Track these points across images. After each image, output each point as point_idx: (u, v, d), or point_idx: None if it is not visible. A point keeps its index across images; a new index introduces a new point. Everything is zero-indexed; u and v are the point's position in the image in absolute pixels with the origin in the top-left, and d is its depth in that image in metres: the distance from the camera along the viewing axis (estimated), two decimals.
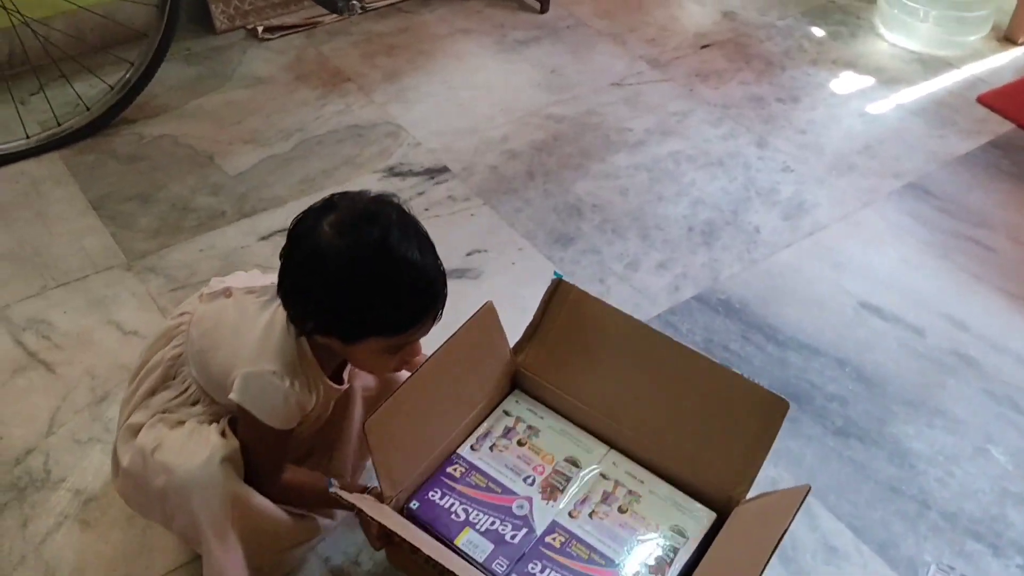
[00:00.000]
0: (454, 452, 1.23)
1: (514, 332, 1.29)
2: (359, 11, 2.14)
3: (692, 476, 1.19)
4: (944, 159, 2.03)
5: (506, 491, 1.19)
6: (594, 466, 1.22)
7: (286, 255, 0.97)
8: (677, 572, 1.11)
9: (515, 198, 1.87)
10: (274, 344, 0.99)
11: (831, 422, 1.46)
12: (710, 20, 2.53)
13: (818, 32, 2.48)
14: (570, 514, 1.17)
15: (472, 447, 1.24)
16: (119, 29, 2.17)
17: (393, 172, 1.93)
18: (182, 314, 1.11)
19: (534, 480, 1.20)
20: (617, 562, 1.12)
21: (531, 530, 1.15)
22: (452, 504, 1.17)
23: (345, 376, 1.12)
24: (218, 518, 1.03)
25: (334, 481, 1.01)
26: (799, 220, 1.86)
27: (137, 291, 1.64)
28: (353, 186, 1.85)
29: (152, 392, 1.08)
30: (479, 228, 1.79)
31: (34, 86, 2.05)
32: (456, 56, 2.32)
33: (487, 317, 1.21)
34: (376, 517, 0.98)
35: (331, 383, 1.07)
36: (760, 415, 1.12)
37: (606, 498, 1.19)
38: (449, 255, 1.71)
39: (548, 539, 1.14)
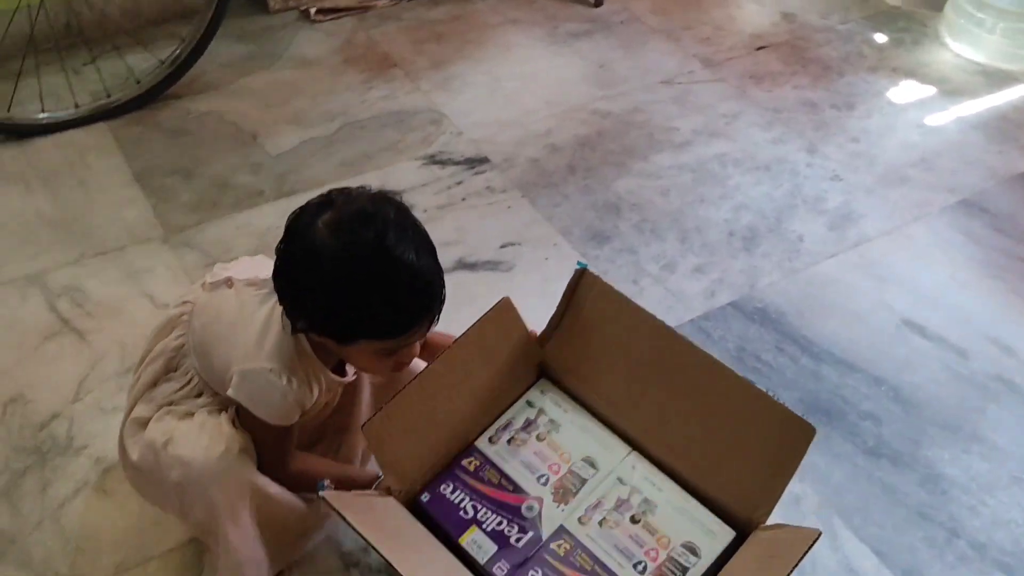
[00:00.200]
0: (472, 443, 1.22)
1: (543, 327, 1.26)
2: None
3: (713, 490, 1.15)
4: (1003, 176, 1.96)
5: (518, 489, 1.17)
6: (611, 468, 1.19)
7: (281, 251, 0.94)
8: None
9: (554, 192, 1.85)
10: (272, 341, 0.98)
11: (863, 441, 1.42)
12: (768, 21, 2.47)
13: (880, 38, 2.41)
14: (580, 520, 1.14)
15: (490, 439, 1.22)
16: (174, 5, 2.20)
17: (433, 160, 1.92)
18: (184, 303, 1.11)
19: (548, 479, 1.18)
20: None
21: (537, 534, 1.12)
22: (462, 500, 1.15)
23: (349, 367, 1.10)
24: (237, 508, 1.02)
25: (325, 483, 0.99)
26: (845, 231, 1.80)
27: (172, 265, 1.65)
28: (392, 172, 1.87)
29: (154, 383, 1.08)
30: (515, 221, 1.77)
31: (87, 57, 2.09)
32: (505, 46, 2.30)
33: (503, 312, 1.18)
34: (361, 530, 0.95)
35: (333, 376, 1.06)
36: (785, 438, 1.06)
37: (619, 505, 1.15)
38: (482, 246, 1.71)
39: (553, 546, 1.11)
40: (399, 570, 0.94)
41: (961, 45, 2.35)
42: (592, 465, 1.20)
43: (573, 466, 1.19)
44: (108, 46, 2.07)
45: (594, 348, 1.22)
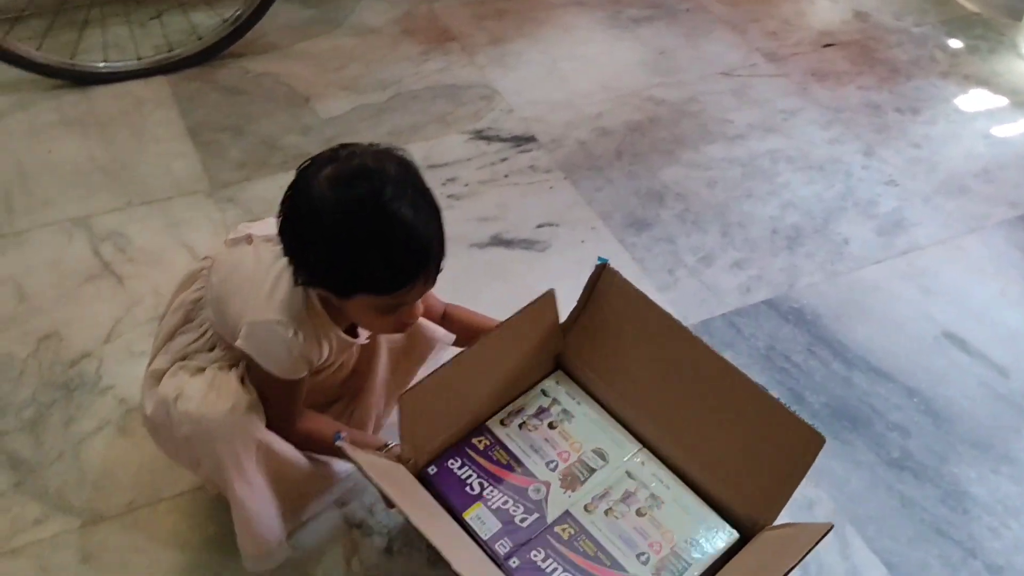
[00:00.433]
0: (483, 424, 1.21)
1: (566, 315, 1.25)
2: None
3: (720, 492, 1.13)
4: None
5: (526, 472, 1.16)
6: (621, 462, 1.18)
7: (286, 201, 0.95)
8: None
9: (598, 176, 1.83)
10: (282, 294, 0.98)
11: (887, 451, 1.38)
12: (839, 19, 2.40)
13: (955, 44, 2.32)
14: (585, 507, 1.13)
15: (502, 422, 1.22)
16: None
17: (480, 135, 1.91)
18: (205, 258, 1.12)
19: (557, 465, 1.17)
20: (623, 564, 1.08)
21: (542, 516, 1.12)
22: (469, 476, 1.15)
23: (362, 331, 1.11)
24: (244, 464, 1.04)
25: (342, 434, 1.00)
26: (894, 237, 1.75)
27: (214, 218, 1.68)
28: (438, 144, 1.87)
29: (171, 335, 1.09)
30: (555, 202, 1.76)
31: (153, 12, 2.13)
32: (565, 27, 2.28)
33: (546, 304, 1.18)
34: (375, 478, 0.96)
35: (345, 336, 1.06)
36: (795, 446, 1.04)
37: (626, 498, 1.14)
38: (520, 225, 1.70)
39: (557, 529, 1.11)
40: (411, 518, 0.94)
41: None
42: (602, 457, 1.19)
43: (583, 455, 1.19)
44: (174, 2, 2.11)
45: (611, 344, 1.21)
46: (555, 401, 1.24)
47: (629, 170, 1.85)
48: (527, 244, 1.67)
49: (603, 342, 1.21)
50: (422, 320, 1.17)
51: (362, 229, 0.89)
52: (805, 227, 1.76)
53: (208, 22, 2.08)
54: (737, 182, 1.85)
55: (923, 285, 1.65)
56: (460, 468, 1.16)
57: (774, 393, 1.40)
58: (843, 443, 1.39)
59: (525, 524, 1.11)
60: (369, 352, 1.17)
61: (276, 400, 1.05)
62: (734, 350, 1.50)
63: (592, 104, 2.03)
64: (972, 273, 1.69)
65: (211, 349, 1.07)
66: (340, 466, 1.19)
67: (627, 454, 1.19)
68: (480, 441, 1.19)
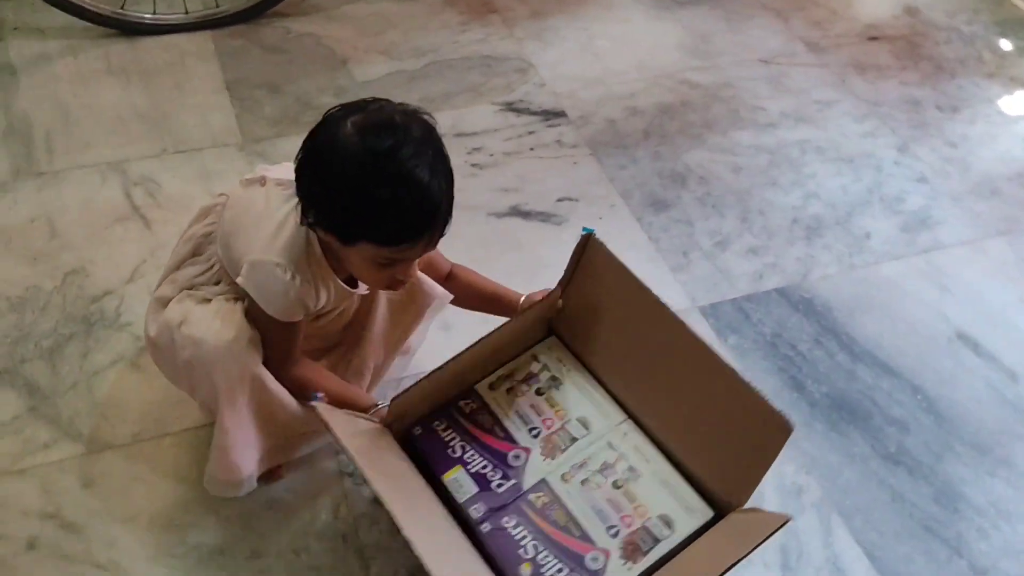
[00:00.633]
0: (472, 386, 1.23)
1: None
2: None
3: (697, 470, 1.14)
4: None
5: (508, 437, 1.18)
6: (604, 433, 1.19)
7: (308, 139, 0.98)
8: (650, 564, 1.07)
9: (623, 155, 1.84)
10: (285, 237, 1.02)
11: (883, 446, 1.37)
12: (888, 12, 2.36)
13: (1005, 45, 2.27)
14: (563, 476, 1.14)
15: (491, 385, 1.24)
16: None
17: (510, 107, 1.93)
18: (221, 194, 1.16)
19: (539, 432, 1.19)
20: (592, 537, 1.09)
21: (519, 483, 1.13)
22: (452, 439, 1.17)
23: (362, 284, 1.14)
24: (236, 395, 1.08)
25: (319, 395, 1.03)
26: (918, 234, 1.73)
27: (243, 171, 1.70)
28: (468, 113, 1.89)
29: (179, 264, 1.14)
30: (577, 177, 1.77)
31: None
32: (606, 5, 2.27)
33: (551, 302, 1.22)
34: (341, 439, 0.98)
35: (344, 285, 1.09)
36: (765, 431, 1.03)
37: (604, 469, 1.15)
38: (540, 197, 1.72)
39: (532, 496, 1.12)
40: (373, 485, 0.96)
41: None
42: (585, 426, 1.20)
43: (567, 424, 1.20)
44: None
45: (596, 315, 1.22)
46: (545, 367, 1.26)
47: (655, 151, 1.85)
48: (544, 217, 1.68)
49: (589, 312, 1.22)
50: (422, 276, 1.19)
51: (379, 177, 0.92)
52: (827, 218, 1.74)
53: None
54: (762, 169, 1.84)
55: (941, 284, 1.63)
56: (445, 431, 1.18)
57: (771, 380, 1.42)
58: (840, 434, 1.39)
59: (501, 490, 1.13)
60: (369, 303, 1.20)
61: (272, 342, 1.08)
62: (739, 335, 1.51)
63: (625, 83, 2.03)
64: (993, 276, 1.66)
65: (217, 283, 1.11)
66: None
67: (611, 424, 1.20)
68: (467, 404, 1.21)
